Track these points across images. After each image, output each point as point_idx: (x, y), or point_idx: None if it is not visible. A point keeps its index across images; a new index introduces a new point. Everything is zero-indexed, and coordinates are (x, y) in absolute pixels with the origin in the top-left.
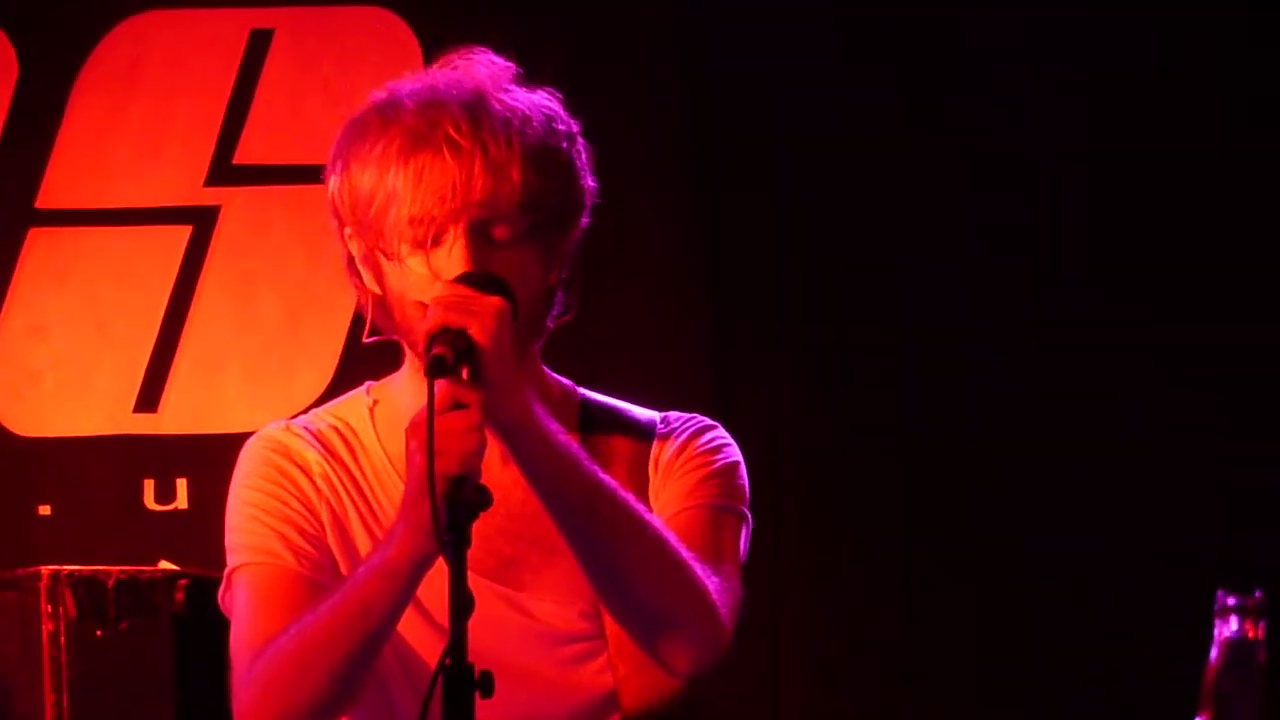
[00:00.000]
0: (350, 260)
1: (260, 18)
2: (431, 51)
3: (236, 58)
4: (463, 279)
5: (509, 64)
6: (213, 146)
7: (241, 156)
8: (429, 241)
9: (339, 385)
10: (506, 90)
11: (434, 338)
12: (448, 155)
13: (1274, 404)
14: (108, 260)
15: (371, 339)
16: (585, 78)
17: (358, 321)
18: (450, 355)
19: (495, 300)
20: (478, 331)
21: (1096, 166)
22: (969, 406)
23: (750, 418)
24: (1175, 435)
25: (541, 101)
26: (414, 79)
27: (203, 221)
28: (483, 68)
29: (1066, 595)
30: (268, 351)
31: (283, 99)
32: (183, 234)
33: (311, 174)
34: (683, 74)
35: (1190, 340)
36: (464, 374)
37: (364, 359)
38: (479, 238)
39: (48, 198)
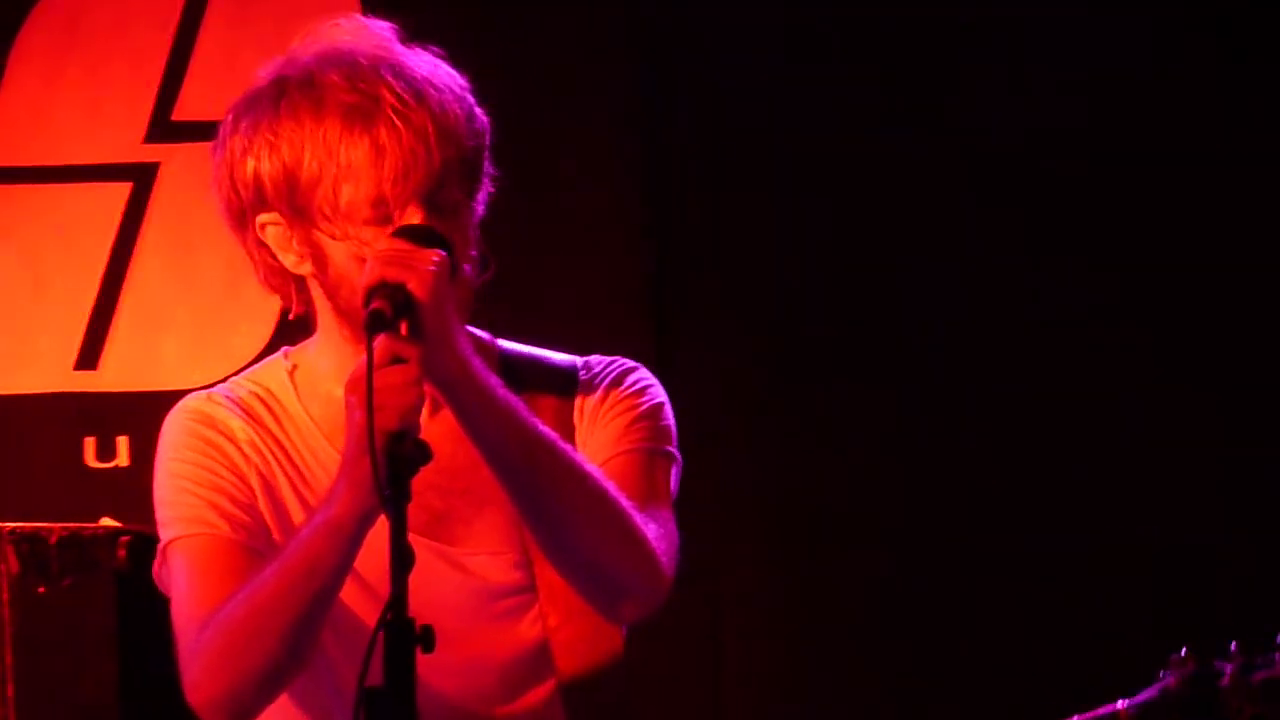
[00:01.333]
0: (261, 246)
1: None
2: (372, 9)
3: (175, 14)
4: (400, 233)
5: (388, 24)
6: (152, 103)
7: (180, 113)
8: (393, 218)
9: (278, 342)
10: (408, 54)
11: (372, 292)
12: (401, 127)
13: (1274, 404)
14: (47, 218)
15: (299, 312)
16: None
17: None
18: (389, 309)
19: (434, 253)
20: (416, 286)
21: (1096, 166)
22: (960, 399)
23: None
24: (1175, 435)
25: (434, 59)
26: (303, 48)
27: (142, 178)
28: (371, 33)
29: (1050, 588)
30: (208, 309)
31: (221, 55)
32: (123, 191)
33: None
34: (624, 35)
35: (1191, 340)
36: (403, 329)
37: (303, 316)
38: (433, 208)
39: None
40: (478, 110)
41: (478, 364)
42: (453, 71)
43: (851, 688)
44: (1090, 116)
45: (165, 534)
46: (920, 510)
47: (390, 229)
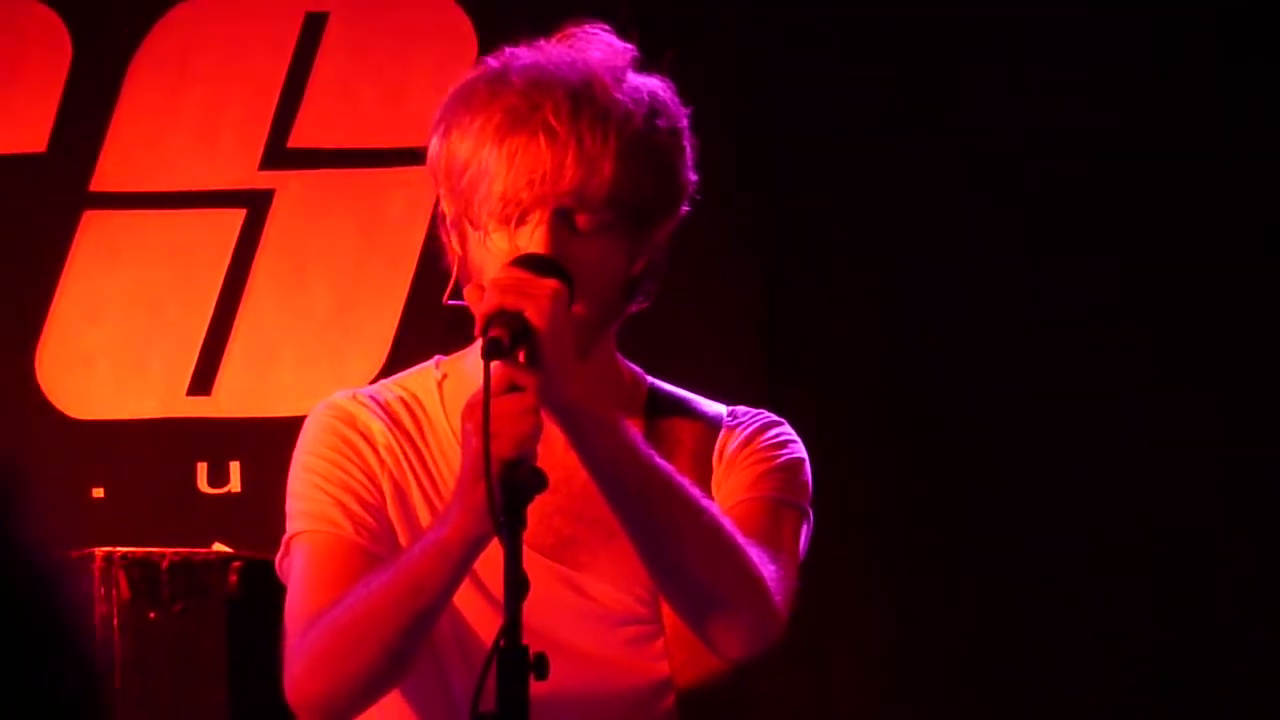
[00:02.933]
0: (443, 218)
1: (315, 1)
2: (488, 36)
3: (291, 41)
4: (520, 262)
5: (629, 47)
6: (267, 130)
7: (296, 140)
8: (514, 220)
9: (391, 369)
10: (618, 80)
11: (490, 320)
12: (543, 141)
13: (1274, 404)
14: (162, 243)
15: (452, 302)
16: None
17: (411, 306)
18: (506, 337)
19: (551, 283)
20: (534, 314)
21: (1096, 166)
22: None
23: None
24: (1176, 435)
25: (651, 91)
26: (530, 51)
27: (257, 205)
28: (599, 51)
29: (1074, 594)
30: (320, 335)
31: (337, 83)
32: (237, 217)
33: (366, 158)
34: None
35: (1191, 340)
36: (520, 357)
37: (417, 344)
38: (562, 224)
39: (102, 181)
40: (665, 152)
41: (595, 393)
42: (668, 111)
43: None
44: (1090, 117)
45: (291, 526)
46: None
47: (514, 231)
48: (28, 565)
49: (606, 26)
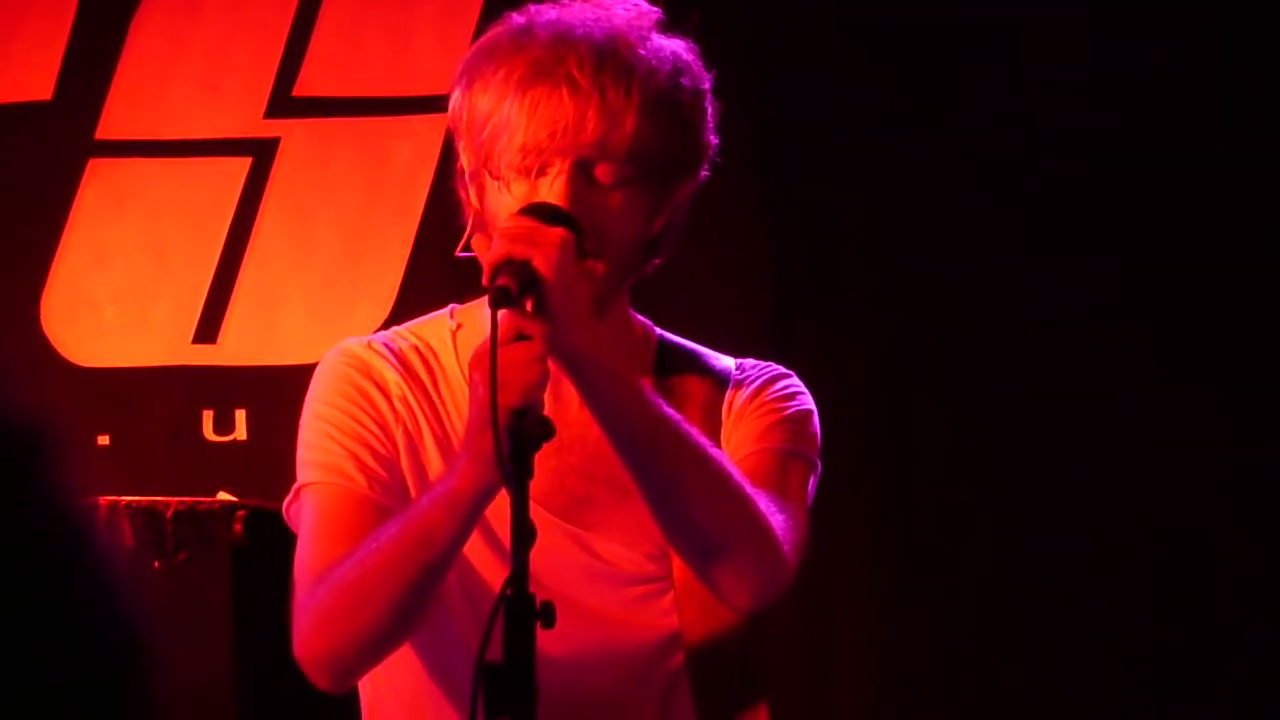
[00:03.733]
0: (460, 172)
1: None
2: None
3: None
4: (528, 210)
5: (654, 10)
6: (272, 78)
7: (301, 89)
8: (534, 171)
9: (397, 317)
10: (643, 38)
11: (498, 268)
12: (565, 92)
13: (1274, 404)
14: (167, 191)
15: (464, 254)
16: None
17: (417, 254)
18: (514, 286)
19: (559, 231)
20: (541, 263)
21: (1096, 167)
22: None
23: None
24: (1176, 435)
25: (674, 51)
26: (555, 8)
27: (262, 153)
28: (623, 10)
29: (1073, 593)
30: (326, 284)
31: (343, 32)
32: (242, 165)
33: (372, 106)
34: (757, 66)
35: (1191, 340)
36: (528, 305)
37: (423, 292)
38: (581, 176)
39: (107, 129)
40: (688, 111)
41: (604, 343)
42: (691, 71)
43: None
44: (1093, 116)
45: (302, 475)
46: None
47: (535, 182)
48: (67, 523)
49: None
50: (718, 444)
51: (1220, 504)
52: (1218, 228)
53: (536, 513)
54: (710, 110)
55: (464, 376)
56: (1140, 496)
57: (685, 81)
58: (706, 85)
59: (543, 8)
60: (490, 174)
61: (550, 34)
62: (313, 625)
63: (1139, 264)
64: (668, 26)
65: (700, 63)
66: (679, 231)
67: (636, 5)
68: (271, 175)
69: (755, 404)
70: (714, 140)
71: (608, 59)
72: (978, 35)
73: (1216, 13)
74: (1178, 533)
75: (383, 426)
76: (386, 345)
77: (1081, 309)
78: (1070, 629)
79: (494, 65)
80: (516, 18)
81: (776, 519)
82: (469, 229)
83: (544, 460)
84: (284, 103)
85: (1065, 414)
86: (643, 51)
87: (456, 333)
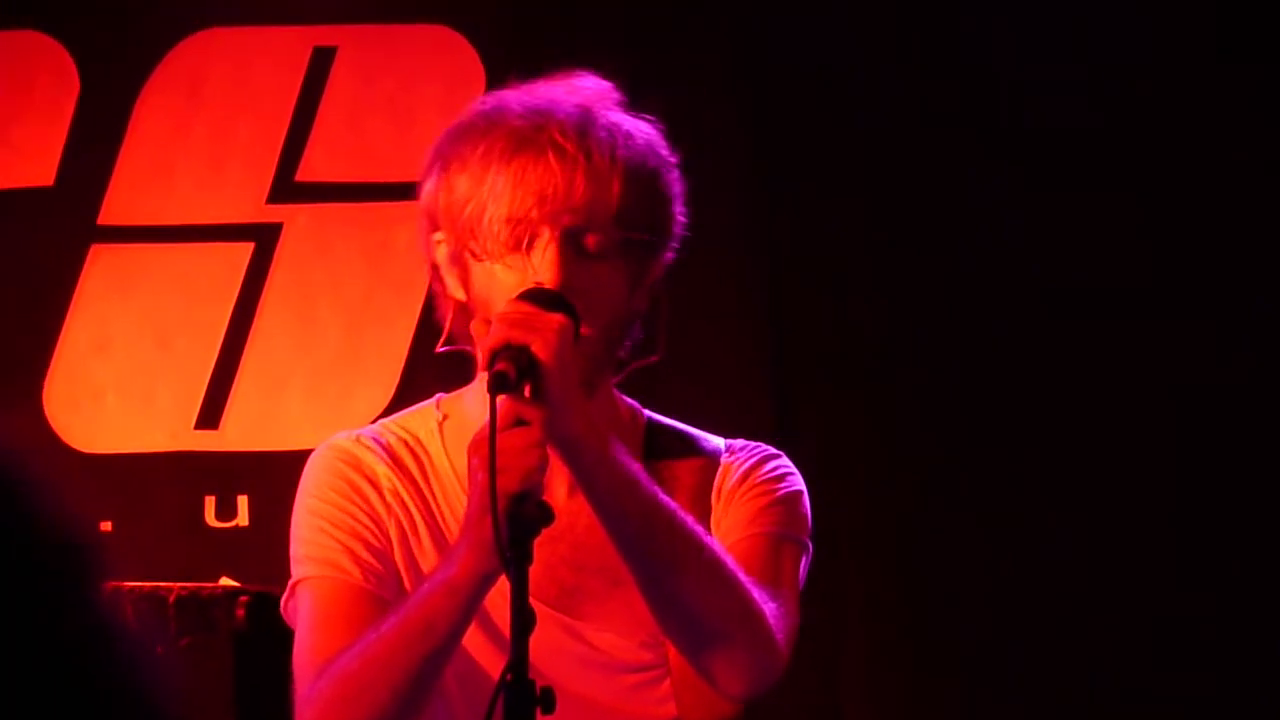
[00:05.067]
0: (435, 267)
1: (323, 35)
2: (494, 70)
3: (299, 75)
4: (526, 296)
5: (614, 89)
6: (275, 163)
7: (304, 174)
8: (523, 243)
9: (399, 403)
10: (613, 110)
11: (496, 354)
12: (552, 158)
13: (1275, 403)
14: (170, 277)
15: (445, 349)
16: (650, 103)
17: (419, 339)
18: (513, 371)
19: (558, 317)
20: (540, 348)
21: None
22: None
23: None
24: (1176, 434)
25: (645, 127)
26: (520, 90)
27: (265, 238)
28: (590, 86)
29: (1050, 587)
30: (329, 369)
31: (345, 116)
32: (245, 251)
33: (374, 192)
34: (751, 101)
35: (1193, 339)
36: (526, 391)
37: (425, 377)
38: (571, 245)
39: (110, 214)
40: (664, 182)
41: (600, 428)
42: (659, 143)
43: None
44: (1091, 116)
45: (297, 571)
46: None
47: (525, 254)
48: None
49: (592, 73)
50: (708, 527)
51: (1220, 504)
52: (1216, 228)
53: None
54: (679, 186)
55: (452, 469)
56: (1141, 496)
57: (660, 151)
58: (675, 160)
59: (507, 91)
60: (474, 255)
61: (525, 108)
62: (316, 715)
63: (1140, 261)
64: (627, 105)
65: (665, 140)
66: (663, 325)
67: (600, 84)
68: (274, 260)
69: (746, 487)
70: (683, 218)
71: (588, 126)
72: (979, 35)
73: (1217, 10)
74: (1178, 531)
75: (375, 519)
76: (375, 439)
77: (1087, 309)
78: (1076, 634)
79: (469, 145)
80: (485, 99)
81: (769, 607)
82: (448, 324)
83: (534, 551)
84: (287, 188)
85: (1072, 414)
86: (616, 119)
87: (443, 424)
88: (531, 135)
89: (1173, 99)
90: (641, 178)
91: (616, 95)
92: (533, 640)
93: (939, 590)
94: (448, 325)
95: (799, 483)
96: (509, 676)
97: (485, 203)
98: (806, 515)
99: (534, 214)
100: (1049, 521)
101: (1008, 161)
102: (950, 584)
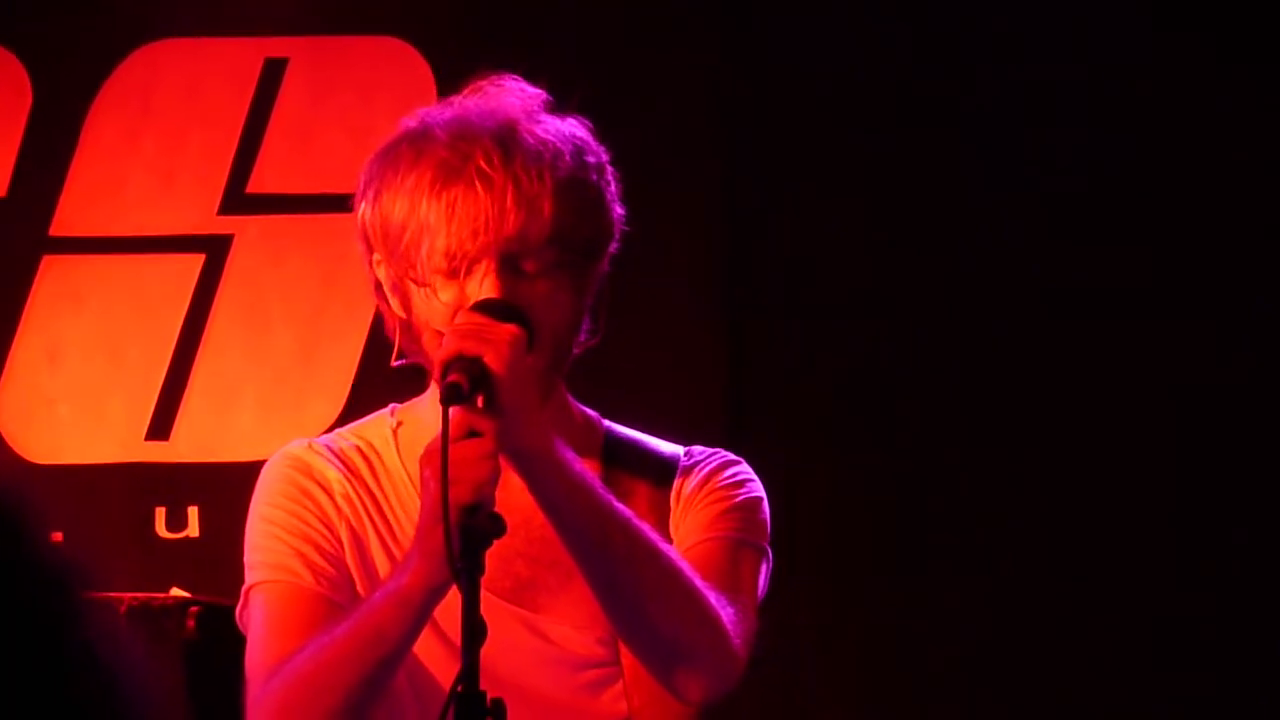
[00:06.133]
0: (378, 286)
1: (274, 47)
2: (445, 82)
3: (250, 86)
4: (478, 307)
5: (540, 92)
6: (226, 175)
7: (255, 185)
8: (461, 273)
9: (350, 415)
10: (538, 121)
11: (449, 365)
12: (480, 188)
13: (1275, 403)
14: (121, 288)
15: (399, 363)
16: (604, 109)
17: (370, 351)
18: (465, 383)
19: (510, 328)
20: (493, 359)
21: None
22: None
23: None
24: (1176, 434)
25: (572, 131)
26: (445, 107)
27: (216, 250)
28: (514, 97)
29: (1050, 589)
30: (280, 380)
31: (296, 128)
32: (196, 262)
33: (325, 203)
34: (705, 103)
35: (1193, 339)
36: (479, 402)
37: (376, 389)
38: (509, 269)
39: (62, 225)
40: (596, 189)
41: (554, 438)
42: (591, 147)
43: None
44: (1091, 115)
45: (250, 576)
46: (939, 535)
47: (463, 282)
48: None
49: (515, 76)
50: (666, 533)
51: (1220, 503)
52: (1219, 229)
53: (483, 597)
54: (614, 183)
55: (406, 473)
56: (1140, 497)
57: (589, 159)
58: (606, 159)
59: (433, 109)
60: (415, 282)
61: (449, 133)
62: (267, 718)
63: (1139, 265)
64: (554, 107)
65: (594, 137)
66: (601, 311)
67: (523, 90)
68: (225, 272)
69: (704, 492)
70: (620, 211)
71: (513, 148)
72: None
73: (1218, 11)
74: (1178, 531)
75: (327, 524)
76: (327, 446)
77: (1073, 317)
78: (1070, 631)
79: (399, 173)
80: (408, 121)
81: (726, 612)
82: (397, 341)
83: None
84: (238, 199)
85: (1047, 432)
86: (543, 134)
87: (397, 430)
88: (459, 165)
89: (1173, 99)
90: (573, 191)
91: (541, 99)
92: (488, 635)
93: (938, 590)
94: (396, 342)
95: (758, 489)
96: (459, 687)
97: (419, 235)
98: (766, 521)
99: (469, 246)
100: (1049, 521)
101: (1008, 162)
102: (950, 584)
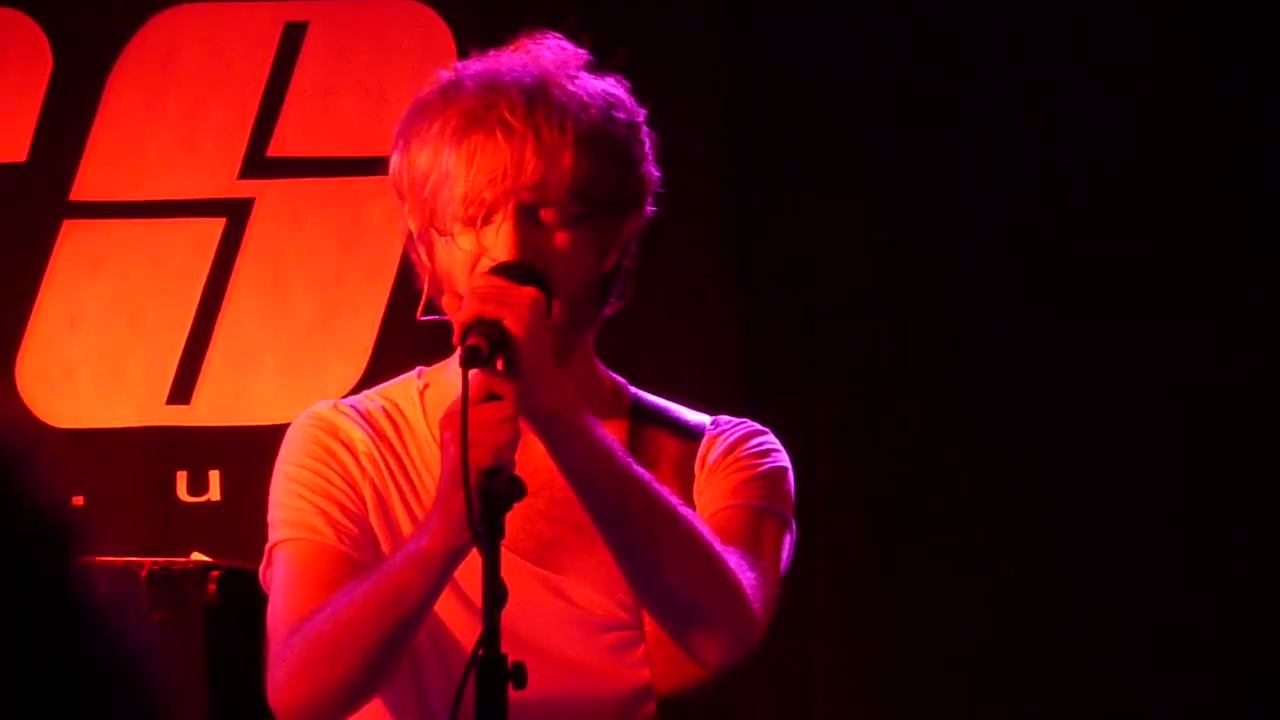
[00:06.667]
0: (410, 237)
1: (295, 10)
2: (466, 45)
3: (271, 50)
4: (499, 270)
5: (579, 50)
6: (247, 139)
7: (275, 149)
8: (479, 220)
9: (371, 378)
10: (571, 77)
11: (469, 328)
12: (500, 137)
13: (1275, 403)
14: (142, 252)
15: (427, 319)
16: (614, 65)
17: (391, 314)
18: (485, 346)
19: (530, 291)
20: (513, 322)
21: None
22: (999, 406)
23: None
24: (1176, 434)
25: (606, 89)
26: (481, 61)
27: (236, 214)
28: (551, 53)
29: (1050, 590)
30: (300, 344)
31: (317, 92)
32: (217, 226)
33: (346, 167)
34: (705, 103)
35: (1193, 339)
36: (499, 365)
37: (397, 352)
38: (527, 220)
39: (82, 189)
40: (625, 145)
41: (573, 401)
42: (624, 105)
43: None
44: (1090, 115)
45: (273, 535)
46: (949, 508)
47: (481, 230)
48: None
49: (558, 34)
50: (689, 499)
51: (1220, 504)
52: (1219, 229)
53: (506, 558)
54: (648, 143)
55: (432, 434)
56: (1141, 496)
57: (619, 115)
58: (641, 118)
59: (470, 61)
60: (437, 230)
61: (479, 84)
62: (287, 675)
63: (1139, 265)
64: (596, 67)
65: (632, 97)
66: (631, 274)
67: (563, 48)
68: (245, 236)
69: (729, 460)
70: (656, 173)
71: (538, 99)
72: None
73: (1218, 10)
74: (1178, 531)
75: (351, 484)
76: (353, 407)
77: (1074, 315)
78: (1071, 632)
79: (427, 122)
80: (445, 74)
81: (747, 577)
82: (425, 292)
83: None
84: (258, 163)
85: (1091, 412)
86: (573, 89)
87: (424, 392)
88: (482, 114)
89: (1173, 99)
90: (597, 145)
91: (581, 58)
92: (510, 596)
93: (938, 590)
94: (425, 292)
95: (784, 459)
96: (480, 651)
97: (440, 182)
98: (790, 492)
99: (486, 194)
100: (1049, 521)
101: (1008, 162)
102: (950, 584)
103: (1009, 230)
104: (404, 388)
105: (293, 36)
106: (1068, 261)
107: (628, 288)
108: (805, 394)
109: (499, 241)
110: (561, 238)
